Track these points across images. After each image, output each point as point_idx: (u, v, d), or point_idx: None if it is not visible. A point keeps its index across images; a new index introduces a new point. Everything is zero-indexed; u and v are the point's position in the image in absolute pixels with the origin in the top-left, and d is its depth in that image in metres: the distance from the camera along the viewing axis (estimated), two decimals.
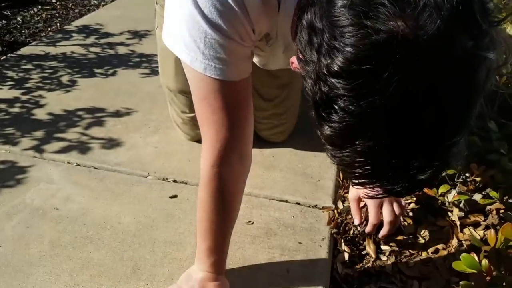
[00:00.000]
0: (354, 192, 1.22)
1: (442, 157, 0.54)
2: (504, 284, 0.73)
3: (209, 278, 0.99)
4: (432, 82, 0.48)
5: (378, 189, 0.59)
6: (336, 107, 0.52)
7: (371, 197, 0.61)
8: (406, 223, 1.27)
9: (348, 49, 0.48)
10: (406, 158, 0.53)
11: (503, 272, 0.73)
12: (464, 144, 0.56)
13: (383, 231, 1.17)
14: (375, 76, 0.48)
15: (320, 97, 0.53)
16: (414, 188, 0.59)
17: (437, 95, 0.49)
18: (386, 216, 1.17)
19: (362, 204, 1.25)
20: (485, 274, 0.76)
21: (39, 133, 1.58)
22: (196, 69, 0.79)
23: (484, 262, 0.78)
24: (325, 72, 0.51)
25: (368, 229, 1.18)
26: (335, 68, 0.50)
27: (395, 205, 1.19)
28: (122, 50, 2.29)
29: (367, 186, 0.59)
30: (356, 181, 0.59)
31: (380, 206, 1.18)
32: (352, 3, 0.50)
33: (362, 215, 1.23)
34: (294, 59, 0.63)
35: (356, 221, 1.21)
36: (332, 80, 0.50)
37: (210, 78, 0.80)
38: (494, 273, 0.75)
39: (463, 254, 0.81)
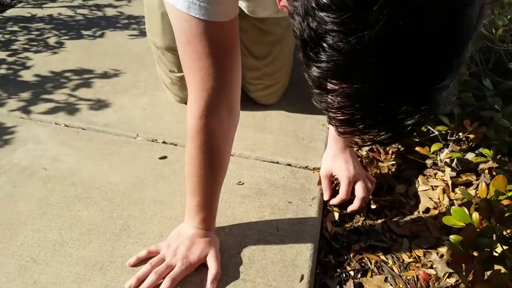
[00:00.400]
0: (325, 168, 1.21)
1: (431, 101, 0.52)
2: (494, 234, 0.73)
3: (199, 235, 0.98)
4: (424, 17, 0.46)
5: (364, 137, 0.58)
6: (325, 44, 0.49)
7: (358, 146, 0.59)
8: (396, 184, 1.27)
9: None
10: (394, 101, 0.52)
11: (493, 222, 0.72)
12: (453, 90, 0.54)
13: (354, 206, 1.16)
14: (365, 9, 0.45)
15: (308, 35, 0.50)
16: (401, 135, 0.57)
17: (428, 32, 0.47)
18: (360, 192, 1.16)
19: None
20: (475, 227, 0.75)
21: (26, 95, 1.55)
22: (180, 9, 0.76)
23: (475, 214, 0.77)
24: (313, 5, 0.48)
25: (334, 201, 1.17)
26: (324, 1, 0.47)
27: (368, 183, 1.19)
28: (110, 12, 2.23)
29: (354, 134, 0.57)
30: (342, 129, 0.57)
31: (353, 183, 1.17)
32: None
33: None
34: None
35: (326, 197, 1.19)
36: (321, 14, 0.48)
37: (195, 19, 0.76)
38: (484, 224, 0.75)
39: (453, 207, 0.81)
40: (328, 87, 0.53)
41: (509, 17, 1.09)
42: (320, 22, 0.48)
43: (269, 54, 1.43)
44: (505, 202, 0.78)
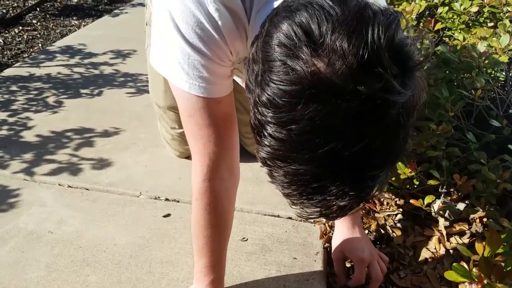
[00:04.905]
0: (337, 251, 1.20)
1: (357, 188, 0.60)
2: None
3: None
4: (337, 118, 0.55)
5: (308, 211, 0.64)
6: (265, 133, 0.59)
7: (304, 218, 0.66)
8: (394, 234, 1.31)
9: (272, 84, 0.57)
10: (323, 184, 0.59)
11: (493, 280, 0.77)
12: (385, 177, 0.61)
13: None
14: (292, 109, 0.55)
15: (254, 123, 0.61)
16: (338, 212, 0.64)
17: (343, 130, 0.55)
18: (375, 275, 1.15)
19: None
20: (476, 283, 0.79)
21: (28, 156, 1.58)
22: (182, 88, 0.84)
23: (475, 271, 0.81)
24: (257, 100, 0.59)
25: (351, 284, 1.17)
26: (264, 99, 0.58)
27: (381, 263, 1.17)
28: (106, 70, 2.30)
29: (299, 207, 0.64)
30: (289, 202, 0.64)
31: (366, 266, 1.16)
32: (280, 42, 0.57)
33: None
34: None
35: (341, 281, 1.19)
36: (263, 108, 0.58)
37: (195, 97, 0.84)
38: (485, 281, 0.79)
39: (454, 264, 0.85)
40: (273, 166, 0.62)
41: (486, 78, 1.17)
42: (262, 114, 0.59)
43: None
44: (500, 258, 0.83)
